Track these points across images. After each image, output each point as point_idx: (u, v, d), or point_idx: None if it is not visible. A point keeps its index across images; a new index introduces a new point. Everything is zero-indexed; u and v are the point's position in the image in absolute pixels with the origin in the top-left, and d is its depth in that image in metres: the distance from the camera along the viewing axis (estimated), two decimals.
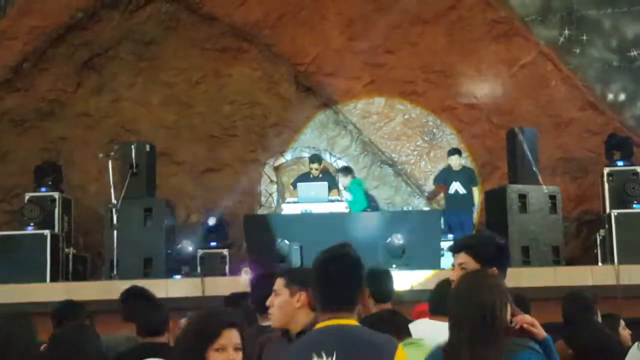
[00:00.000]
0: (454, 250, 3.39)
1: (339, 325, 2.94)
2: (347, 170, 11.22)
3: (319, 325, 2.98)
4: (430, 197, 12.00)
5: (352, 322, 2.99)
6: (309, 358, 2.87)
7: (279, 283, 3.46)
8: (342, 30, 12.08)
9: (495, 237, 3.39)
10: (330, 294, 2.97)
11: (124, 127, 12.13)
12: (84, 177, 11.80)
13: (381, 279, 4.85)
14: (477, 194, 11.03)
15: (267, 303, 3.47)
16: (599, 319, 5.31)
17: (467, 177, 11.05)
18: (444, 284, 3.92)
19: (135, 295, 5.07)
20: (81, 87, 12.29)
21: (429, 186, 12.10)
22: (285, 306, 3.38)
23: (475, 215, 10.89)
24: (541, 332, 3.06)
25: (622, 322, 5.30)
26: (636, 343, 4.69)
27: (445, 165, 11.33)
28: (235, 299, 5.06)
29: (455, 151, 11.17)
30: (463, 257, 3.28)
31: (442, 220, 10.38)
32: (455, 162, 11.02)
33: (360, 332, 2.97)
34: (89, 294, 8.30)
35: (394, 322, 3.96)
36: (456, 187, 10.94)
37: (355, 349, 2.88)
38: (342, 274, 2.98)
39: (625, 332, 5.26)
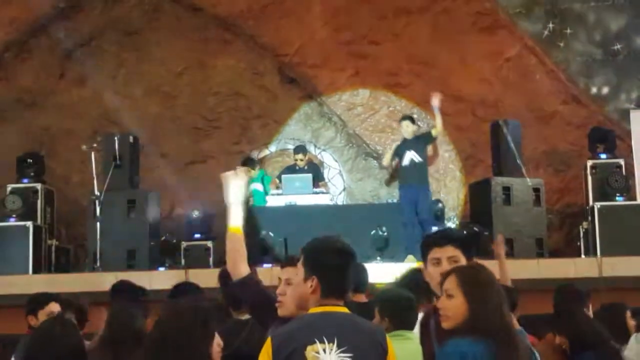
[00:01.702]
0: (439, 243, 3.33)
1: (336, 312, 3.00)
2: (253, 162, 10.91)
3: (314, 311, 3.02)
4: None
5: (346, 310, 3.06)
6: (311, 343, 2.89)
7: (291, 272, 3.38)
8: (327, 21, 12.04)
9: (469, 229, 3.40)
10: (336, 282, 3.05)
11: (107, 118, 12.03)
12: (66, 169, 11.72)
13: (358, 270, 4.98)
14: (434, 132, 9.82)
15: (278, 291, 3.42)
16: (590, 313, 5.32)
17: (421, 141, 9.83)
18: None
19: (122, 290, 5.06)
20: (64, 77, 12.19)
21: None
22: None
23: (438, 127, 9.84)
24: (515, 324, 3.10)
25: (629, 312, 5.27)
26: (634, 334, 4.70)
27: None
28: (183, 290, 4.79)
29: (406, 117, 10.13)
30: (452, 250, 3.24)
31: None
32: (407, 129, 9.86)
33: (355, 319, 3.06)
34: (72, 286, 8.27)
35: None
36: (411, 156, 9.74)
37: (353, 334, 2.94)
38: (348, 264, 3.08)
39: (631, 322, 5.22)
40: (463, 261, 3.20)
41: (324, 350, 2.88)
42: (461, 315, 2.90)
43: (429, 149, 10.06)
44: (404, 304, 4.17)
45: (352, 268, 3.11)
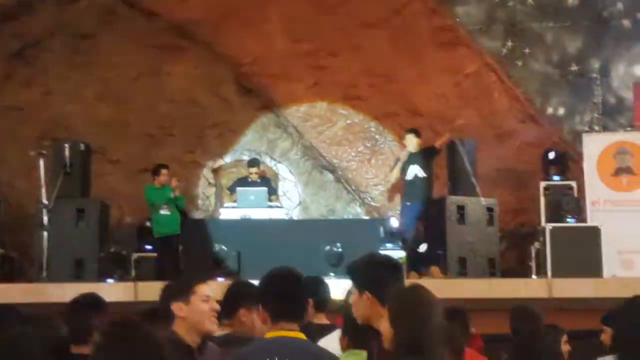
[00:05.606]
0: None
1: (288, 337, 3.07)
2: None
3: (269, 335, 3.10)
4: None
5: (301, 335, 3.13)
6: None
7: None
8: (285, 32, 11.88)
9: (371, 258, 3.28)
10: (282, 307, 3.13)
11: (56, 122, 11.70)
12: (11, 174, 11.33)
13: (317, 285, 4.81)
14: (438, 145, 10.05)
15: None
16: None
17: (426, 157, 9.88)
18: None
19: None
20: (11, 78, 11.81)
21: (370, 193, 11.94)
22: None
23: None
24: None
25: (565, 337, 5.30)
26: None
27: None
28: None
29: (410, 130, 10.06)
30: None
31: (381, 229, 10.30)
32: (412, 141, 9.85)
33: (308, 344, 3.15)
34: (16, 296, 8.02)
35: None
36: (415, 171, 9.81)
37: (304, 358, 3.03)
38: (293, 289, 3.19)
39: (565, 347, 5.27)
40: (355, 294, 3.14)
41: None
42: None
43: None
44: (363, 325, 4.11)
45: (299, 292, 3.19)
